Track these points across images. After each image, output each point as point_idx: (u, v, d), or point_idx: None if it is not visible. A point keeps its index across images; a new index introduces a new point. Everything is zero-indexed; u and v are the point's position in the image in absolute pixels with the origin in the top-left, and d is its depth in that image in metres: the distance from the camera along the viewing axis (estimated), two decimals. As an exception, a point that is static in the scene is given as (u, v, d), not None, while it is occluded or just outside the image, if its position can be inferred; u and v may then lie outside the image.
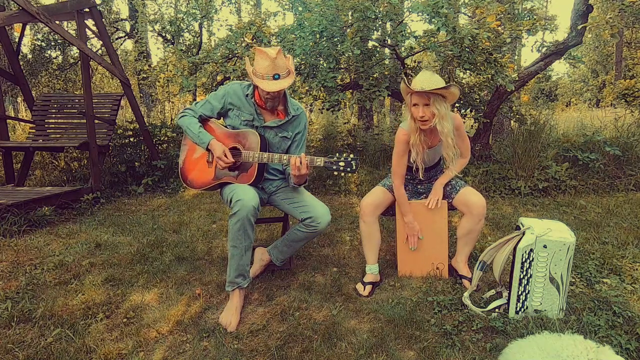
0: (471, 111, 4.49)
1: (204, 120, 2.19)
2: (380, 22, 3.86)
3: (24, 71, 4.93)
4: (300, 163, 1.91)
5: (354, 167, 1.92)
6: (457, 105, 4.40)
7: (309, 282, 2.29)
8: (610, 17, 3.86)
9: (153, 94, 10.71)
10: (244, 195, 1.91)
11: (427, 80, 1.92)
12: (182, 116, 2.16)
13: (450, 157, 2.08)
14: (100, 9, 7.51)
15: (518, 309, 1.85)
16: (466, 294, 2.00)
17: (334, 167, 1.93)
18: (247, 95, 2.13)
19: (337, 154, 1.96)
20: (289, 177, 2.11)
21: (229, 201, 1.98)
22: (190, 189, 2.26)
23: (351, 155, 1.94)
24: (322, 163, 1.95)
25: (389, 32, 4.21)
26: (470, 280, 2.19)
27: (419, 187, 2.36)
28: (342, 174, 1.95)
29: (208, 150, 2.09)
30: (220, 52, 4.23)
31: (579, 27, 3.97)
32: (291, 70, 2.03)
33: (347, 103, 4.36)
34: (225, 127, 2.20)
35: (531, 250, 1.78)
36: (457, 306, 1.98)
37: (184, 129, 2.13)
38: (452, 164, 2.14)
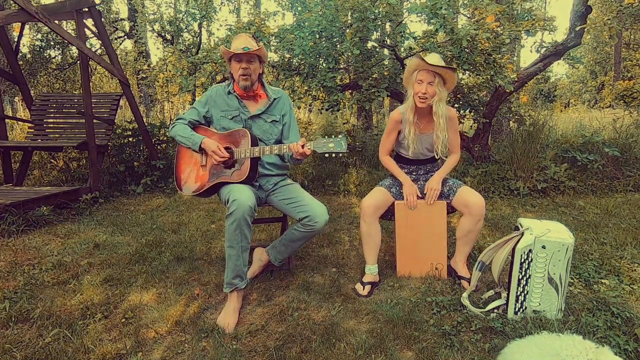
0: (470, 112, 4.49)
1: (195, 128, 2.25)
2: (379, 23, 3.86)
3: (23, 71, 4.92)
4: (302, 147, 1.97)
5: (344, 146, 1.95)
6: (456, 105, 4.40)
7: (308, 282, 2.29)
8: (608, 19, 3.87)
9: (152, 93, 10.70)
10: (240, 194, 1.91)
11: (437, 61, 2.10)
12: (173, 127, 2.22)
13: (440, 140, 2.20)
14: (100, 8, 7.50)
15: (517, 309, 1.85)
16: (465, 295, 2.00)
17: (324, 149, 1.96)
18: (228, 93, 2.22)
19: (326, 136, 1.99)
20: (291, 158, 2.18)
21: (225, 201, 1.99)
22: (189, 195, 2.29)
23: (340, 135, 1.97)
24: (312, 147, 1.97)
25: (389, 32, 4.21)
26: (469, 280, 2.19)
27: (415, 185, 2.35)
28: (334, 155, 1.98)
29: (201, 149, 2.11)
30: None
31: (578, 29, 3.98)
32: (262, 51, 2.13)
33: (347, 103, 4.35)
34: (217, 130, 2.23)
35: (530, 250, 1.78)
36: (456, 307, 1.98)
37: (176, 137, 2.19)
38: (440, 148, 2.23)
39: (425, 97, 2.11)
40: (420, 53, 2.21)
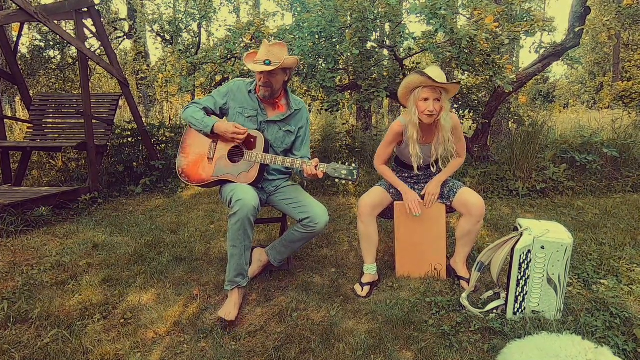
0: (469, 112, 4.50)
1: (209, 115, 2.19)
2: (378, 23, 3.86)
3: (22, 71, 4.91)
4: (316, 169, 1.95)
5: (355, 176, 1.94)
6: (455, 106, 4.40)
7: (307, 282, 2.29)
8: (607, 20, 3.88)
9: (151, 94, 10.70)
10: (244, 194, 1.91)
11: (440, 75, 2.00)
12: (186, 109, 2.16)
13: (443, 152, 2.15)
14: (99, 8, 7.49)
15: (516, 310, 1.85)
16: (464, 295, 2.00)
17: (336, 174, 1.96)
18: (250, 92, 2.18)
19: (340, 162, 1.99)
20: (300, 173, 2.13)
21: (228, 201, 1.98)
22: (188, 185, 2.25)
23: (353, 165, 1.96)
24: (325, 169, 1.97)
25: (388, 33, 4.22)
26: (468, 281, 2.20)
27: (415, 187, 2.36)
28: (344, 182, 1.98)
29: (213, 133, 2.06)
30: (219, 53, 4.23)
31: (577, 29, 3.99)
32: (286, 63, 2.03)
33: (346, 104, 4.35)
34: None
35: (529, 251, 1.78)
36: (455, 307, 1.98)
37: (188, 119, 2.12)
38: (443, 160, 2.18)
39: (432, 114, 2.04)
40: (418, 69, 2.14)
